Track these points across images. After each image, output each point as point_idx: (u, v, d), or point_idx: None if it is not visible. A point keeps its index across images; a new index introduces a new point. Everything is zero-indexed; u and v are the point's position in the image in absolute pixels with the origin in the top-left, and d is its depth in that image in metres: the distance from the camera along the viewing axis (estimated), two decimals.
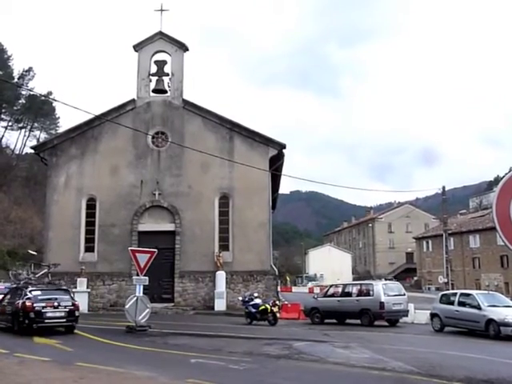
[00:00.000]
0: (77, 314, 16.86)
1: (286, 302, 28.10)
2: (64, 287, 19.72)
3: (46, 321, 16.21)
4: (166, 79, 29.41)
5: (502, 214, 5.50)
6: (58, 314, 16.34)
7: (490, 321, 17.96)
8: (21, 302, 16.26)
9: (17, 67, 78.65)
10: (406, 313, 22.53)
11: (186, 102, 29.27)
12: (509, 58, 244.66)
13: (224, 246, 28.04)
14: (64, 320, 16.53)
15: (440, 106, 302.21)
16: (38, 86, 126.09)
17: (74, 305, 16.87)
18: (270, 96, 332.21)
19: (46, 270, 22.76)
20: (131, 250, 19.39)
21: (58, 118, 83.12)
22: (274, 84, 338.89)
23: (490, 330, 17.95)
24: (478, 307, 18.67)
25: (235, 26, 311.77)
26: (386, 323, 21.80)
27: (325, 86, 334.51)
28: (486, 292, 22.63)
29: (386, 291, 21.64)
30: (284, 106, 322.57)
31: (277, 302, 22.27)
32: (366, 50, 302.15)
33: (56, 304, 16.39)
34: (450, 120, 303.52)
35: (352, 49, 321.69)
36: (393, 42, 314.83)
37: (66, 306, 16.58)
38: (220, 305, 26.42)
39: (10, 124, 78.19)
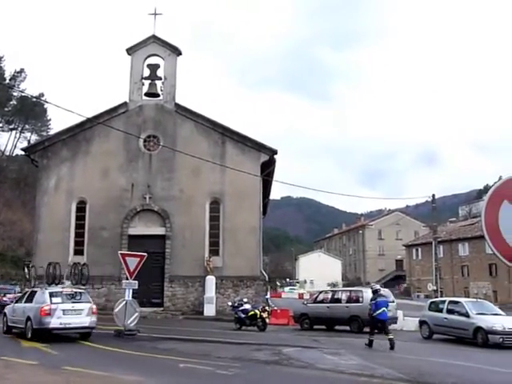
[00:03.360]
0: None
1: (276, 308, 28.08)
2: None
3: None
4: (158, 83, 29.37)
5: (490, 223, 5.51)
6: None
7: (479, 329, 18.00)
8: None
9: (8, 68, 78.26)
10: (394, 320, 22.53)
11: (178, 106, 29.25)
12: (501, 63, 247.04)
13: (214, 251, 28.00)
14: None
15: (433, 112, 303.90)
16: (29, 87, 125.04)
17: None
18: (260, 99, 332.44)
19: None
20: (121, 253, 19.39)
21: (50, 119, 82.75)
22: (264, 87, 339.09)
23: (478, 338, 18.00)
24: (467, 315, 18.73)
25: (225, 28, 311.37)
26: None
27: (316, 90, 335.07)
28: (475, 300, 22.66)
29: None
30: (275, 110, 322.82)
31: (266, 308, 22.26)
32: (358, 53, 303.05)
33: None
34: (443, 127, 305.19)
35: (344, 52, 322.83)
36: (385, 45, 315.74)
37: None
38: (209, 310, 26.33)
39: (0, 125, 77.80)
